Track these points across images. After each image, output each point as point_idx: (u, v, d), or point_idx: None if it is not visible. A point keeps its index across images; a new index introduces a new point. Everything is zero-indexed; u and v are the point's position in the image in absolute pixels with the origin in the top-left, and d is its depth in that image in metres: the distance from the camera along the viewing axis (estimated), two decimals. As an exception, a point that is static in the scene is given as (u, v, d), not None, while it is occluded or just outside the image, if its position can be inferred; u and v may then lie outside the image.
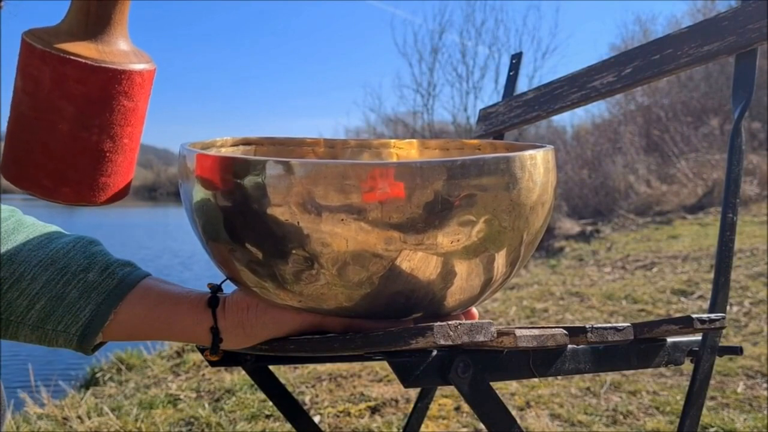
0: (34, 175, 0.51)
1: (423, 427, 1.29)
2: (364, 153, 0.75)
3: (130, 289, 0.56)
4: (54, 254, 0.56)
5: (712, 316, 0.63)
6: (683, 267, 3.66)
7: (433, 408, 1.80)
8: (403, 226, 0.46)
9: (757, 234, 4.24)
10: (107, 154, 0.52)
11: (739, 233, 4.09)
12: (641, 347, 0.66)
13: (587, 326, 0.55)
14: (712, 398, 1.80)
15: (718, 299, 0.74)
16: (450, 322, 0.46)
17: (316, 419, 1.79)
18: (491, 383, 0.54)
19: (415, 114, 12.51)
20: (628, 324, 0.59)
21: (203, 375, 2.34)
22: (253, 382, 1.22)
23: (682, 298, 2.98)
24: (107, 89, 0.49)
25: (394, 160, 0.75)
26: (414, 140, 0.76)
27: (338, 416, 1.83)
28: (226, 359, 0.70)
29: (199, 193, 0.51)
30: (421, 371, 0.52)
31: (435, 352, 0.52)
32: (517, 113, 1.19)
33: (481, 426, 1.65)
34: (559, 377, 1.97)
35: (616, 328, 0.57)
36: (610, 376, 2.00)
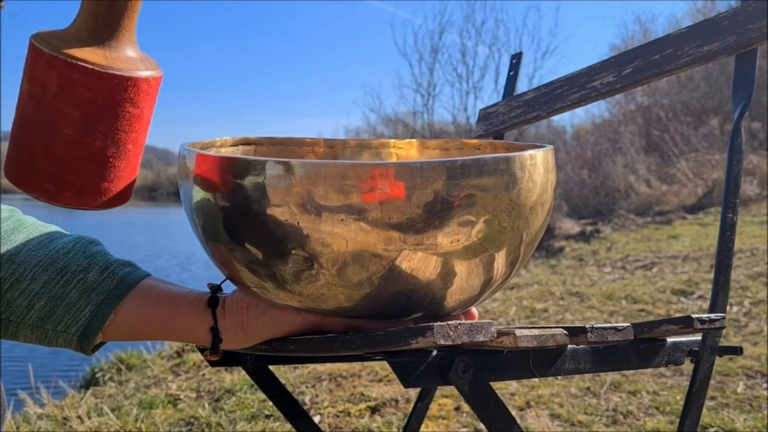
0: (36, 178, 0.51)
1: (423, 427, 1.28)
2: (364, 153, 0.75)
3: (130, 289, 0.56)
4: (54, 254, 0.56)
5: (712, 316, 0.63)
6: (683, 267, 3.66)
7: (433, 408, 1.80)
8: (402, 226, 0.46)
9: (757, 234, 4.24)
10: (111, 160, 0.52)
11: (739, 233, 4.09)
12: (641, 347, 0.66)
13: (587, 326, 0.55)
14: (712, 398, 1.80)
15: (718, 299, 0.74)
16: (450, 322, 0.46)
17: (316, 419, 1.79)
18: (491, 383, 0.54)
19: (415, 114, 12.51)
20: (628, 324, 0.59)
21: (203, 375, 2.34)
22: (253, 382, 1.22)
23: (682, 298, 2.98)
24: (113, 96, 0.50)
25: (394, 160, 0.75)
26: (414, 140, 0.76)
27: (338, 416, 1.83)
28: (226, 359, 0.70)
29: (199, 193, 0.51)
30: (421, 371, 0.52)
31: (435, 352, 0.52)
32: (517, 113, 1.19)
33: (481, 426, 1.65)
34: (559, 377, 1.97)
35: (616, 328, 0.57)
36: (610, 376, 2.00)
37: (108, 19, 0.49)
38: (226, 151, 0.68)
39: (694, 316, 0.62)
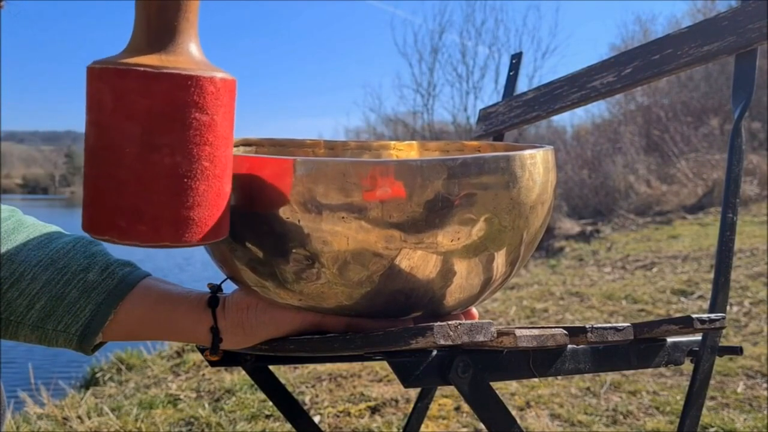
0: (106, 216, 0.45)
1: (423, 427, 1.28)
2: (364, 154, 0.75)
3: (130, 289, 0.56)
4: (54, 254, 0.56)
5: (712, 316, 0.63)
6: (683, 267, 3.66)
7: (433, 408, 1.80)
8: (403, 224, 0.46)
9: (757, 234, 4.24)
10: (185, 181, 0.44)
11: (739, 233, 4.09)
12: (641, 347, 0.66)
13: (587, 326, 0.55)
14: (712, 398, 1.80)
15: (718, 299, 0.74)
16: (450, 322, 0.46)
17: (316, 419, 1.79)
18: (491, 383, 0.54)
19: (415, 114, 12.51)
20: (628, 324, 0.59)
21: (203, 375, 2.34)
22: (253, 382, 1.22)
23: (682, 298, 2.98)
24: (174, 99, 0.43)
25: (394, 159, 0.75)
26: (414, 142, 0.76)
27: (338, 416, 1.83)
28: (226, 359, 0.70)
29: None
30: (421, 371, 0.52)
31: (435, 352, 0.52)
32: (517, 113, 1.19)
33: (481, 426, 1.65)
34: (559, 377, 1.97)
35: (616, 328, 0.57)
36: (610, 376, 2.00)
37: (161, 23, 0.44)
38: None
39: (694, 316, 0.61)
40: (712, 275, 0.79)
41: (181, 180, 0.44)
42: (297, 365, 2.17)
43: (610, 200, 7.32)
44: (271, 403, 1.46)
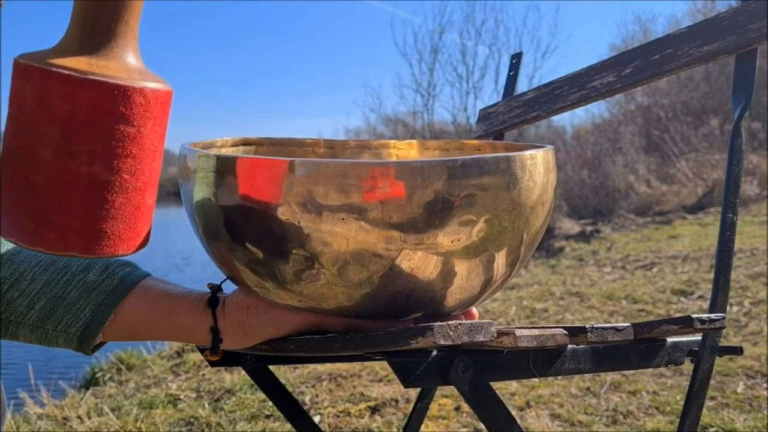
0: (16, 218, 0.42)
1: (423, 427, 1.28)
2: (364, 154, 0.75)
3: (130, 289, 0.56)
4: (54, 254, 0.56)
5: (712, 316, 0.63)
6: (683, 267, 3.66)
7: (433, 408, 1.80)
8: (403, 225, 0.46)
9: (757, 234, 4.24)
10: (101, 192, 0.42)
11: (739, 233, 4.09)
12: (641, 347, 0.66)
13: (587, 326, 0.55)
14: (712, 398, 1.80)
15: (718, 299, 0.74)
16: (450, 322, 0.46)
17: (316, 419, 1.79)
18: (491, 383, 0.54)
19: (415, 114, 12.51)
20: (628, 324, 0.59)
21: (203, 375, 2.34)
22: (253, 382, 1.22)
23: (682, 298, 2.98)
24: (97, 107, 0.41)
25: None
26: (414, 141, 0.76)
27: (338, 416, 1.83)
28: (226, 359, 0.70)
29: (200, 192, 0.51)
30: (421, 371, 0.52)
31: (435, 352, 0.52)
32: (517, 113, 1.19)
33: (481, 426, 1.65)
34: (559, 377, 1.97)
35: (616, 328, 0.57)
36: (610, 376, 2.00)
37: (96, 23, 0.42)
38: (227, 151, 0.68)
39: (694, 316, 0.62)
40: (712, 275, 0.79)
41: (97, 191, 0.42)
42: (297, 365, 2.17)
43: (610, 200, 7.32)
44: (271, 403, 1.46)
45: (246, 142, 0.70)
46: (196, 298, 0.57)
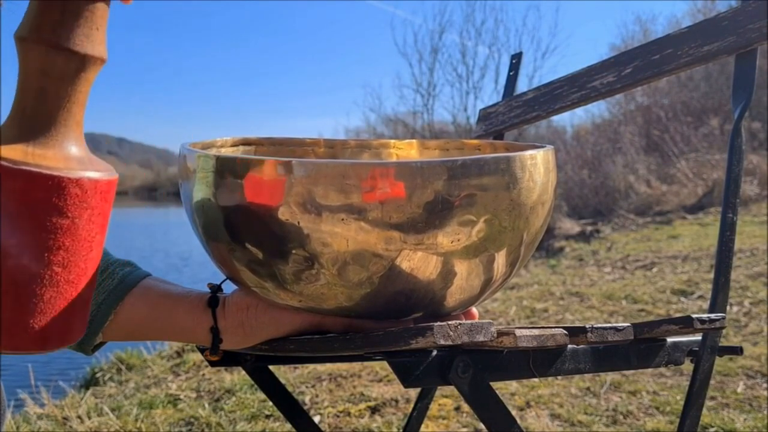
0: None
1: (423, 427, 1.28)
2: (364, 153, 0.75)
3: (130, 289, 0.56)
4: (54, 254, 0.56)
5: (712, 316, 0.63)
6: (683, 267, 3.66)
7: (433, 408, 1.80)
8: (403, 225, 0.46)
9: (757, 234, 4.24)
10: (30, 286, 0.39)
11: (739, 233, 4.09)
12: (641, 347, 0.66)
13: (587, 326, 0.55)
14: (712, 398, 1.80)
15: (718, 299, 0.74)
16: (450, 322, 0.46)
17: (316, 419, 1.79)
18: (491, 383, 0.54)
19: (415, 114, 12.51)
20: (628, 324, 0.59)
21: (203, 375, 2.34)
22: (253, 382, 1.22)
23: (682, 298, 2.98)
24: (28, 199, 0.38)
25: (394, 160, 0.75)
26: (414, 140, 0.76)
27: (338, 416, 1.83)
28: (226, 359, 0.70)
29: (199, 193, 0.51)
30: (421, 371, 0.52)
31: (435, 352, 0.52)
32: (517, 113, 1.19)
33: (481, 426, 1.65)
34: (559, 377, 1.97)
35: (616, 328, 0.57)
36: (610, 376, 2.00)
37: (37, 111, 0.39)
38: (227, 151, 0.68)
39: (694, 316, 0.62)
40: (712, 275, 0.79)
41: (25, 285, 0.40)
42: (297, 365, 2.17)
43: (610, 200, 7.31)
44: (271, 403, 1.46)
45: (246, 142, 0.70)
46: (196, 298, 0.57)
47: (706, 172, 6.69)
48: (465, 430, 1.68)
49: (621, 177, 7.43)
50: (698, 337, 0.72)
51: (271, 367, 0.81)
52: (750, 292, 2.89)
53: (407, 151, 0.76)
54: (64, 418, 1.92)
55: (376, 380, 2.11)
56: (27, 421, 1.92)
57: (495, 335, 0.49)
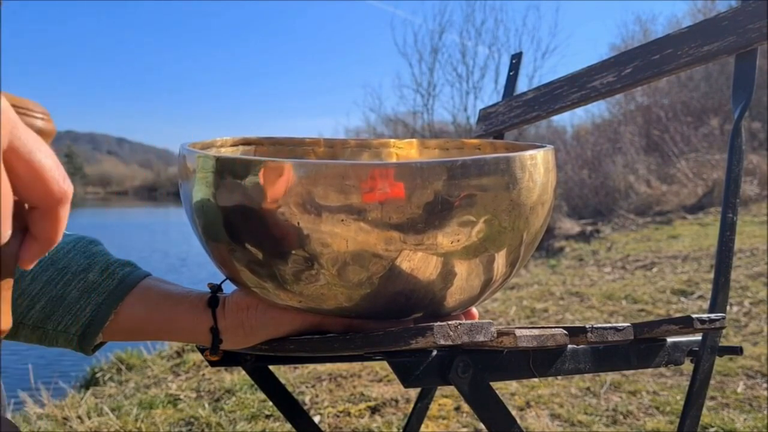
0: None
1: (423, 427, 1.28)
2: (364, 153, 0.75)
3: (131, 289, 0.56)
4: (54, 254, 0.56)
5: (712, 316, 0.63)
6: (683, 267, 3.66)
7: (433, 408, 1.80)
8: (403, 226, 0.46)
9: (757, 234, 4.24)
10: None
11: (739, 233, 4.09)
12: (641, 347, 0.66)
13: (587, 326, 0.55)
14: (712, 398, 1.80)
15: (718, 299, 0.74)
16: (450, 322, 0.46)
17: (316, 419, 1.79)
18: (491, 383, 0.54)
19: (415, 114, 12.52)
20: (628, 324, 0.59)
21: (203, 375, 2.34)
22: (253, 382, 1.22)
23: (682, 298, 2.98)
24: None
25: (394, 160, 0.75)
26: (413, 140, 0.76)
27: (338, 416, 1.83)
28: (226, 359, 0.70)
29: (199, 193, 0.51)
30: (421, 371, 0.52)
31: (435, 352, 0.52)
32: (517, 113, 1.19)
33: (481, 426, 1.65)
34: (559, 377, 1.97)
35: (616, 328, 0.57)
36: (610, 376, 2.00)
37: None
38: (226, 151, 0.68)
39: (694, 316, 0.62)
40: (712, 275, 0.79)
41: None
42: (297, 365, 2.17)
43: (610, 200, 7.32)
44: (271, 403, 1.46)
45: (246, 142, 0.70)
46: (196, 298, 0.57)
47: (706, 172, 6.69)
48: (465, 430, 1.68)
49: (621, 177, 7.43)
50: (698, 337, 0.72)
51: (271, 367, 0.81)
52: (750, 292, 2.89)
53: (407, 150, 0.75)
54: (64, 418, 1.92)
55: (376, 380, 2.11)
56: (27, 421, 1.92)
57: (495, 335, 0.49)
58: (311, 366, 2.22)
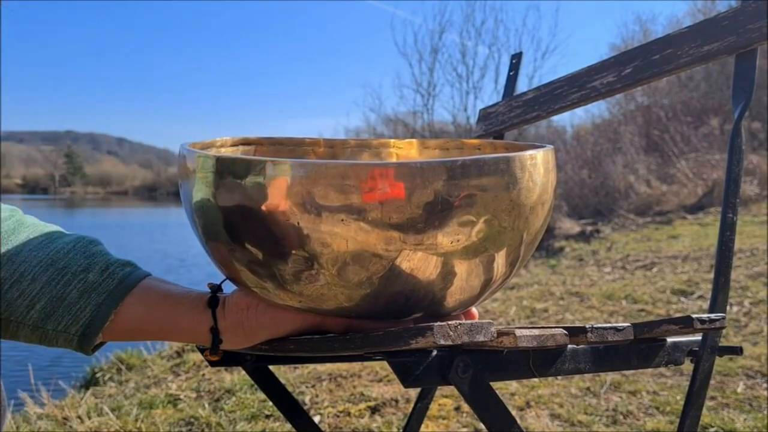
0: None
1: (423, 427, 1.28)
2: (364, 153, 0.75)
3: (131, 289, 0.56)
4: (54, 254, 0.56)
5: (712, 316, 0.63)
6: (683, 267, 3.66)
7: (433, 408, 1.80)
8: (403, 226, 0.46)
9: (757, 234, 4.24)
10: None
11: (739, 233, 4.09)
12: (641, 347, 0.66)
13: (587, 326, 0.55)
14: (712, 398, 1.80)
15: (718, 299, 0.74)
16: (450, 322, 0.46)
17: (316, 419, 1.79)
18: (491, 383, 0.54)
19: (415, 114, 12.53)
20: (628, 324, 0.59)
21: (203, 375, 2.34)
22: (253, 382, 1.22)
23: (682, 298, 2.98)
24: None
25: (394, 160, 0.75)
26: (414, 140, 0.76)
27: (338, 416, 1.83)
28: (226, 359, 0.70)
29: (199, 193, 0.51)
30: (421, 371, 0.52)
31: (435, 352, 0.52)
32: (517, 113, 1.19)
33: (481, 426, 1.65)
34: (559, 377, 1.97)
35: (616, 328, 0.57)
36: (610, 376, 2.00)
37: None
38: (226, 151, 0.68)
39: (694, 316, 0.61)
40: (712, 275, 0.79)
41: None
42: (297, 365, 2.17)
43: (610, 200, 7.32)
44: (271, 403, 1.46)
45: (246, 142, 0.70)
46: (196, 298, 0.57)
47: (706, 172, 6.69)
48: (465, 430, 1.68)
49: (621, 177, 7.43)
50: (698, 337, 0.72)
51: (271, 367, 0.81)
52: (750, 292, 2.89)
53: (407, 150, 0.75)
54: (64, 418, 1.92)
55: (376, 380, 2.11)
56: (27, 421, 1.92)
57: (495, 335, 0.49)
58: (311, 366, 2.22)
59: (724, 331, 1.37)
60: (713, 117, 8.08)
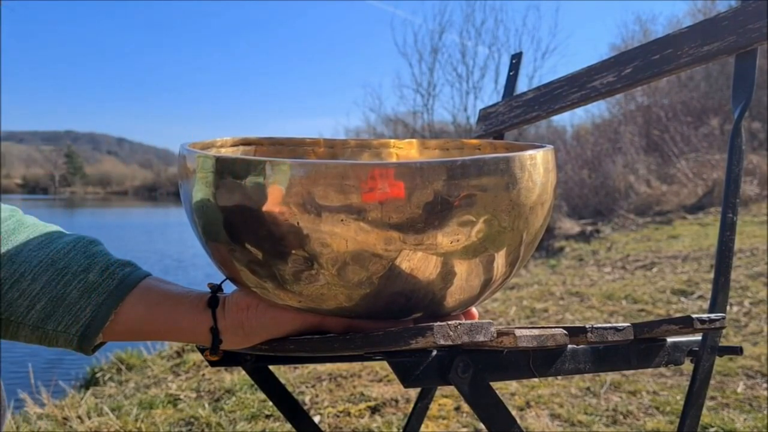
0: None
1: (423, 427, 1.29)
2: (364, 153, 0.75)
3: (131, 289, 0.56)
4: (54, 254, 0.56)
5: (712, 316, 0.63)
6: (683, 267, 3.66)
7: (433, 408, 1.80)
8: (402, 226, 0.46)
9: (757, 234, 4.24)
10: None
11: (739, 233, 4.09)
12: (641, 347, 0.66)
13: (587, 326, 0.55)
14: (712, 398, 1.80)
15: (718, 299, 0.74)
16: (450, 322, 0.46)
17: (316, 419, 1.79)
18: (491, 383, 0.54)
19: (415, 114, 12.53)
20: (628, 324, 0.59)
21: (203, 375, 2.34)
22: (253, 382, 1.22)
23: (682, 298, 2.98)
24: None
25: (394, 160, 0.75)
26: (414, 140, 0.76)
27: (338, 416, 1.83)
28: (226, 359, 0.70)
29: (199, 193, 0.51)
30: (421, 371, 0.52)
31: (435, 352, 0.52)
32: (517, 113, 1.19)
33: (481, 426, 1.65)
34: (559, 377, 1.97)
35: (616, 328, 0.57)
36: (610, 376, 2.00)
37: None
38: (226, 151, 0.68)
39: (694, 316, 0.61)
40: (712, 275, 0.79)
41: None
42: (297, 365, 2.17)
43: (610, 200, 7.32)
44: (271, 403, 1.46)
45: (246, 142, 0.70)
46: (196, 298, 0.57)
47: (706, 172, 6.69)
48: (465, 430, 1.68)
49: (621, 177, 7.43)
50: (698, 337, 0.72)
51: (271, 367, 0.81)
52: (750, 292, 2.89)
53: (407, 150, 0.75)
54: (64, 418, 1.92)
55: (376, 380, 2.11)
56: (27, 421, 1.92)
57: (495, 335, 0.49)
58: (311, 366, 2.23)
59: (724, 331, 1.37)
60: (713, 117, 8.08)
